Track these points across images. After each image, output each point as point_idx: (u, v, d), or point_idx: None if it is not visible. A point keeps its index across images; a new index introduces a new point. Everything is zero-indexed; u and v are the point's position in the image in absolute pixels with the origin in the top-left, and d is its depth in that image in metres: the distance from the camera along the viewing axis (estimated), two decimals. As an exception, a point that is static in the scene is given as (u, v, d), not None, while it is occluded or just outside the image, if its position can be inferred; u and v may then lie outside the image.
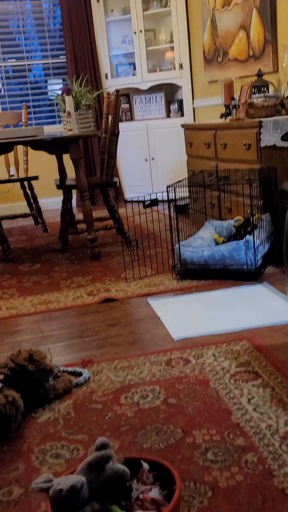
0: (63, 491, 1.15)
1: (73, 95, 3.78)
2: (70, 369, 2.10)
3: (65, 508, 1.16)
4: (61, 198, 4.13)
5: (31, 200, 4.91)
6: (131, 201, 3.26)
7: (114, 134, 3.86)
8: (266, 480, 1.38)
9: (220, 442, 1.56)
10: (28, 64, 5.88)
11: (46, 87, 6.07)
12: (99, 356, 2.22)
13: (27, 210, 5.26)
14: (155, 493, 1.22)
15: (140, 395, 1.87)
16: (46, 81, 6.05)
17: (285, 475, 1.39)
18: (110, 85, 5.66)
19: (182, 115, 5.58)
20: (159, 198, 3.28)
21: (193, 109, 5.51)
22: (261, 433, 1.58)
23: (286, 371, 1.92)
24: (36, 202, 4.87)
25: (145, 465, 1.28)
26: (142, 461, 1.29)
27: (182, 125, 4.57)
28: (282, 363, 1.98)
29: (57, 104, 5.85)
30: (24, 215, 4.90)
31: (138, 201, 3.26)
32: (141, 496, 1.21)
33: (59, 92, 3.99)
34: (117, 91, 3.82)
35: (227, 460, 1.48)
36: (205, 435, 1.60)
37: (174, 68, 5.52)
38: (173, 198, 3.09)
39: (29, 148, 4.86)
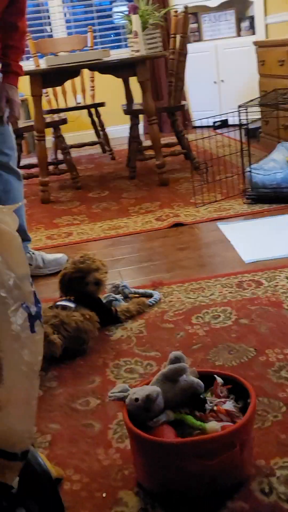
0: (139, 400, 1.18)
1: (140, 13, 3.63)
2: (141, 290, 2.12)
3: (141, 416, 1.19)
4: (127, 125, 4.07)
5: (98, 127, 4.87)
6: (200, 127, 3.17)
7: (183, 54, 3.71)
8: None
9: (294, 361, 1.55)
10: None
11: (111, 9, 5.88)
12: (169, 279, 2.23)
13: (95, 138, 5.23)
14: (229, 405, 1.23)
15: (211, 316, 1.87)
16: (111, 3, 5.85)
17: None
18: (177, 3, 5.40)
19: (254, 33, 5.28)
20: (229, 122, 3.16)
21: (266, 25, 5.20)
22: None
23: None
24: (103, 129, 4.83)
25: (219, 379, 1.28)
26: (215, 375, 1.29)
27: (255, 43, 4.33)
28: None
29: (123, 27, 5.67)
30: (92, 143, 4.88)
31: (206, 126, 3.15)
32: (215, 408, 1.22)
33: (126, 13, 3.86)
34: (186, 7, 3.64)
35: (301, 378, 1.47)
36: (278, 354, 1.59)
37: (246, -18, 5.19)
38: (245, 118, 2.96)
39: (95, 74, 4.77)
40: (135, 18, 3.50)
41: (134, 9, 3.50)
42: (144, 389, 1.21)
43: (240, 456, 1.15)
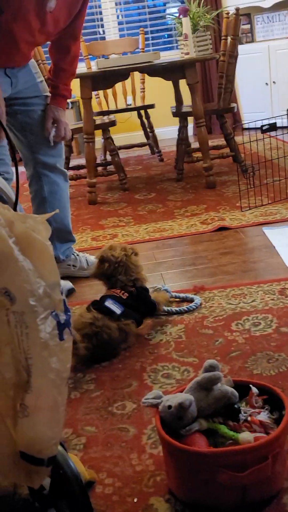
0: (171, 407, 1.18)
1: (191, 16, 3.62)
2: (182, 295, 2.12)
3: (173, 423, 1.19)
4: (177, 127, 4.07)
5: (148, 129, 4.89)
6: (249, 129, 3.13)
7: (233, 56, 3.68)
8: None
9: None
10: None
11: (164, 11, 5.89)
12: (211, 284, 2.22)
13: (144, 140, 5.25)
14: (263, 416, 1.21)
15: (251, 323, 1.85)
16: (165, 4, 5.85)
17: None
18: (230, 4, 5.35)
19: (308, 33, 5.18)
20: (279, 124, 3.11)
21: None
22: None
23: None
24: (152, 131, 4.84)
25: (254, 389, 1.27)
26: (251, 385, 1.28)
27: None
28: None
29: (175, 29, 5.67)
30: (141, 145, 4.90)
31: (256, 128, 3.11)
32: (249, 418, 1.21)
33: (177, 16, 3.86)
34: (237, 9, 3.61)
35: None
36: None
37: (301, -19, 5.09)
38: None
39: (145, 75, 4.79)
40: (185, 21, 3.49)
41: (184, 12, 3.50)
42: (177, 397, 1.21)
43: (272, 468, 1.13)
